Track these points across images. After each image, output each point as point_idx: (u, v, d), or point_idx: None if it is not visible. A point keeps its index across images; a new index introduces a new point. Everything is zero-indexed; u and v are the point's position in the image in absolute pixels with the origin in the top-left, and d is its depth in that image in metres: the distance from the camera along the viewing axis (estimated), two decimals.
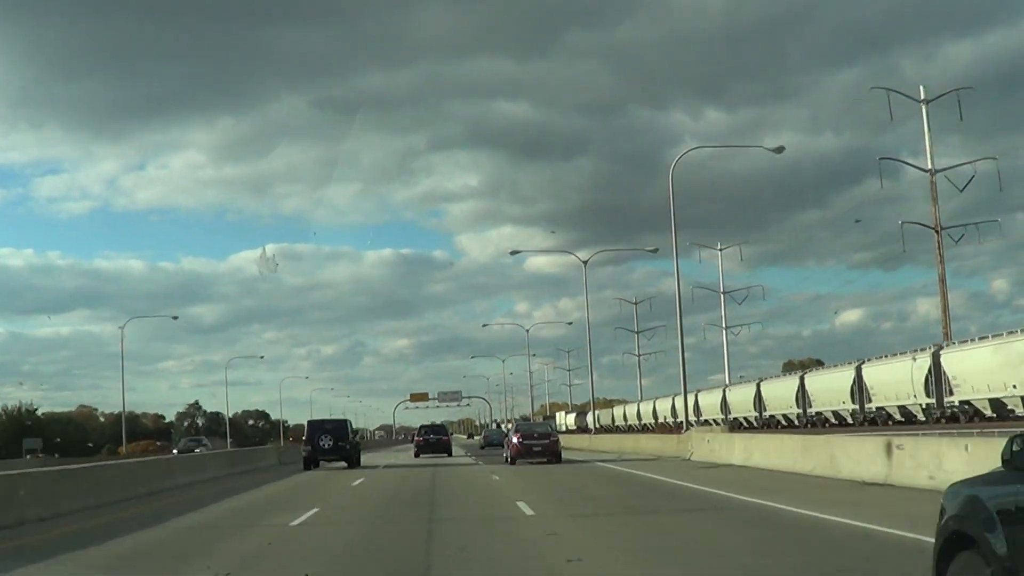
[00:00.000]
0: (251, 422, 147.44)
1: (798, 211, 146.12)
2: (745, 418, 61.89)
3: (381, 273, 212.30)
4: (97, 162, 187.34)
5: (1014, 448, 4.73)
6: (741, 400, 63.77)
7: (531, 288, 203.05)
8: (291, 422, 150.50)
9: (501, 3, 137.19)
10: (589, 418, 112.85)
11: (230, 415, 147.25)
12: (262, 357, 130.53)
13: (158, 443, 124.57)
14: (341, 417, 43.97)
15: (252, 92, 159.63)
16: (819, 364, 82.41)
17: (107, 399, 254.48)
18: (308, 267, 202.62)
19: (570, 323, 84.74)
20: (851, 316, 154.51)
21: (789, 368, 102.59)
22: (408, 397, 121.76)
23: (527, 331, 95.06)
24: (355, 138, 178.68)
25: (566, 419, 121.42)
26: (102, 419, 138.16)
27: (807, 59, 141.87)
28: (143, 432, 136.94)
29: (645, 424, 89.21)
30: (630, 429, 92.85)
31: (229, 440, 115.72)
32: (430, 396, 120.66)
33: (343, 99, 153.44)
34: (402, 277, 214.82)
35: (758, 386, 61.12)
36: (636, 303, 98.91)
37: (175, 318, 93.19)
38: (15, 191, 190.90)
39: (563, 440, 38.52)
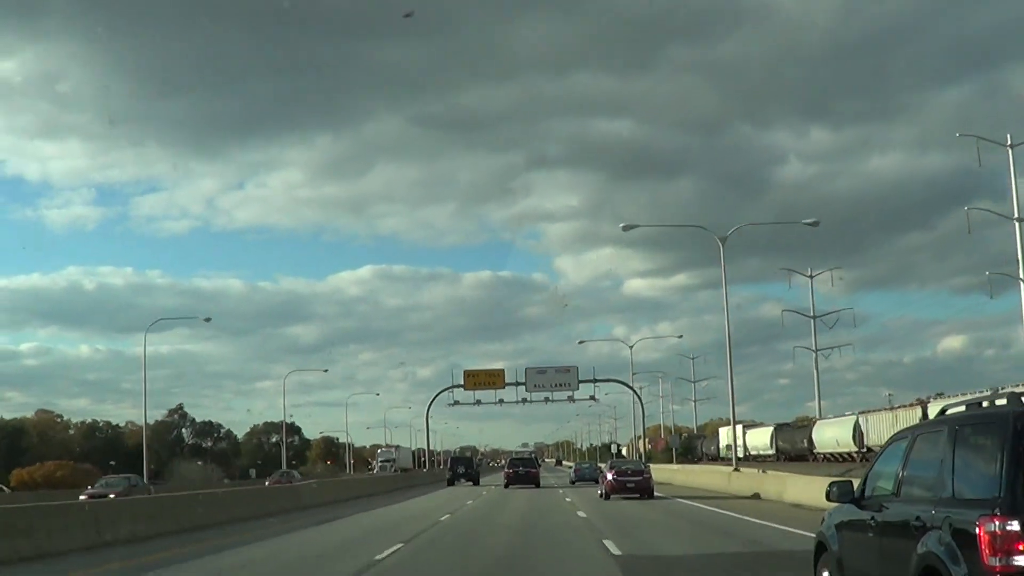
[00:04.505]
0: (275, 438, 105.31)
1: (901, 233, 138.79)
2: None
3: (478, 295, 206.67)
4: (196, 180, 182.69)
5: (830, 489, 8.37)
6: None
7: (630, 311, 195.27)
8: (357, 443, 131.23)
9: (603, 17, 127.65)
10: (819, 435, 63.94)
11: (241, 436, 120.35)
12: (377, 394, 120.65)
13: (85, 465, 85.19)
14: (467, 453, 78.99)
15: (350, 109, 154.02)
16: None
17: (206, 416, 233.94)
18: (406, 288, 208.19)
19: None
20: (953, 342, 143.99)
21: None
22: (461, 381, 71.69)
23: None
24: (453, 156, 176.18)
25: (745, 437, 73.97)
26: (71, 430, 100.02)
27: (914, 76, 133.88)
28: (123, 451, 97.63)
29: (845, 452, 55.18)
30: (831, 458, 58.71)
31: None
32: (507, 379, 72.67)
33: (441, 116, 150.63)
34: (499, 299, 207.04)
35: None
36: (814, 276, 69.71)
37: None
38: (115, 209, 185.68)
39: (751, 481, 35.60)
